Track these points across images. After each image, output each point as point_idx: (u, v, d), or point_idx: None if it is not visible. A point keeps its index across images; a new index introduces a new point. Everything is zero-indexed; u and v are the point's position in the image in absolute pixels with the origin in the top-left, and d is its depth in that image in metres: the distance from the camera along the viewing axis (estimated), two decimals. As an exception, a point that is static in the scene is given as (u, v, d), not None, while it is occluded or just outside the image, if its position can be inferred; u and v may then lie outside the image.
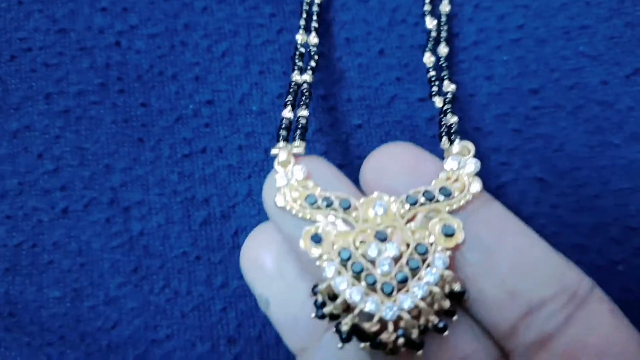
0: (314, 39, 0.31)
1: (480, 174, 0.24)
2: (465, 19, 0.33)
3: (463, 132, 0.32)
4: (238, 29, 0.33)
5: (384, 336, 0.21)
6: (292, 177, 0.24)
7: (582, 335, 0.21)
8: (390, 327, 0.21)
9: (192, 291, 0.31)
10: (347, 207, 0.23)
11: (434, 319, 0.21)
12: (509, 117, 0.32)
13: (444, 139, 0.25)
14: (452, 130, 0.25)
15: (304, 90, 0.27)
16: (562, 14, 0.33)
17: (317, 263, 0.22)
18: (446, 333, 0.22)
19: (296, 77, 0.28)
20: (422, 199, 0.22)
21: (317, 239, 0.22)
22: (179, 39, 0.33)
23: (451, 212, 0.23)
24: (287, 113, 0.26)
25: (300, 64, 0.28)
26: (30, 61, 0.32)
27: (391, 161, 0.24)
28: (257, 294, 0.25)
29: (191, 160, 0.32)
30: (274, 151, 0.25)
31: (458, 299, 0.22)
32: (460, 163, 0.23)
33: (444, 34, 0.32)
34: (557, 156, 0.32)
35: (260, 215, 0.31)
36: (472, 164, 0.23)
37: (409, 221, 0.23)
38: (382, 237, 0.22)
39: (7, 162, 0.31)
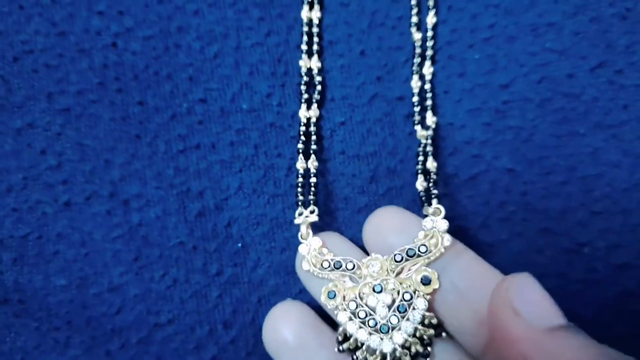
0: (316, 63, 0.33)
1: (456, 170, 0.31)
2: (440, 20, 0.34)
3: (440, 126, 0.33)
4: (228, 32, 0.33)
5: None
6: (311, 246, 0.30)
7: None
8: (389, 357, 0.27)
9: (189, 279, 0.32)
10: (352, 268, 0.29)
11: (420, 348, 0.28)
12: (481, 112, 0.33)
13: (425, 204, 0.31)
14: (431, 195, 0.31)
15: (312, 133, 0.32)
16: (530, 12, 0.34)
17: (335, 312, 0.28)
18: (429, 359, 0.28)
19: (303, 112, 0.32)
20: (405, 256, 0.28)
21: (332, 295, 0.28)
22: (172, 41, 0.33)
23: (430, 264, 0.28)
24: (300, 164, 0.32)
25: (307, 95, 0.32)
26: (32, 62, 0.33)
27: (384, 223, 0.29)
28: None
29: (186, 155, 0.32)
30: (296, 221, 0.31)
31: (437, 327, 0.28)
32: (434, 222, 0.29)
33: (429, 51, 0.34)
34: (526, 146, 0.33)
35: (251, 207, 0.32)
36: (444, 224, 0.29)
37: (398, 274, 0.28)
38: (378, 290, 0.28)
39: (12, 158, 0.32)
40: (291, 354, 0.29)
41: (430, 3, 0.34)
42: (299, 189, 0.31)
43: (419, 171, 0.32)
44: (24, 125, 0.32)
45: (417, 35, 0.34)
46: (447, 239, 0.28)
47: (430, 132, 0.32)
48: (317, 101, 0.33)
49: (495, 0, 0.34)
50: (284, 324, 0.29)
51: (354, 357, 0.28)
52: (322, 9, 0.34)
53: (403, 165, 0.33)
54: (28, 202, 0.32)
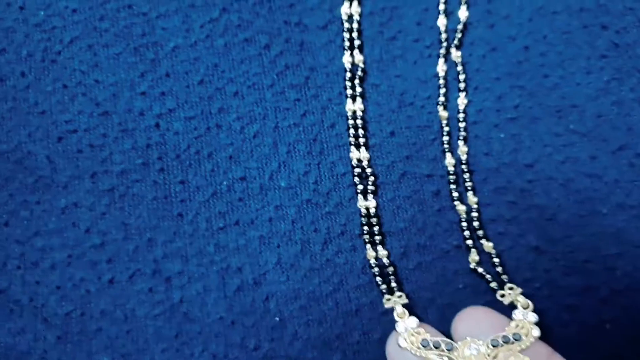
0: (365, 153, 0.32)
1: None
2: (467, 101, 0.34)
3: (466, 203, 0.33)
4: (267, 112, 0.33)
5: None
6: (409, 326, 0.29)
7: None
8: None
9: (228, 354, 0.31)
10: (450, 349, 0.28)
11: None
12: (506, 190, 0.33)
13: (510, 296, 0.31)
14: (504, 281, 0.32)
15: (374, 223, 0.32)
16: (554, 94, 0.34)
17: None
18: None
19: (361, 202, 0.32)
20: (501, 342, 0.28)
21: None
22: (213, 122, 0.33)
23: (521, 351, 0.28)
24: (371, 253, 0.32)
25: (361, 187, 0.32)
26: (76, 142, 0.32)
27: (474, 322, 0.30)
28: None
29: (226, 232, 0.32)
30: (387, 305, 0.31)
31: None
32: (524, 314, 0.30)
33: (462, 132, 0.33)
34: (550, 225, 0.33)
35: (289, 282, 0.32)
36: (533, 317, 0.30)
37: (493, 358, 0.28)
38: None
39: (57, 236, 0.31)
40: None
41: (462, 85, 0.34)
42: (378, 278, 0.32)
43: (468, 246, 0.32)
44: (68, 204, 0.31)
45: (444, 114, 0.34)
46: (536, 330, 0.29)
47: (465, 208, 0.33)
48: (372, 192, 0.33)
49: (520, 81, 0.34)
50: None
51: None
52: (363, 100, 0.34)
53: (432, 241, 0.33)
54: (72, 280, 0.31)
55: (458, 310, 0.31)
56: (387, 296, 0.31)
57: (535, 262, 0.32)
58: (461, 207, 0.33)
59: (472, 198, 0.33)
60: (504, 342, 0.29)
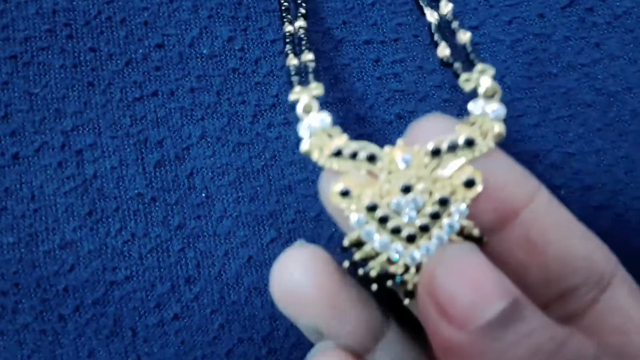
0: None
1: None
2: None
3: (409, 71, 0.29)
4: (184, -26, 0.29)
5: (407, 276, 0.20)
6: (316, 123, 0.21)
7: (605, 314, 0.20)
8: (412, 270, 0.20)
9: (149, 232, 0.27)
10: (372, 159, 0.20)
11: None
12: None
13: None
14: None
15: (302, 35, 0.24)
16: (497, -47, 0.30)
17: (345, 214, 0.20)
18: None
19: (288, 27, 0.25)
20: (445, 150, 0.20)
21: (344, 192, 0.20)
22: (125, -16, 0.29)
23: (474, 161, 0.20)
24: (292, 60, 0.23)
25: (289, 16, 0.25)
26: (-26, 9, 0.28)
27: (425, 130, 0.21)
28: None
29: (143, 103, 0.28)
30: (292, 96, 0.21)
31: (478, 243, 0.20)
32: (485, 107, 0.20)
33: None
34: (498, 89, 0.29)
35: (215, 156, 0.28)
36: (498, 109, 0.20)
37: (432, 170, 0.20)
38: (405, 188, 0.20)
39: (-47, 109, 0.27)
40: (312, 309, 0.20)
41: None
42: (293, 75, 0.23)
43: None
44: (-36, 73, 0.27)
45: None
46: (498, 127, 0.20)
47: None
48: (302, 14, 0.26)
49: (462, -58, 0.30)
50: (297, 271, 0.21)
51: (364, 271, 0.20)
52: None
53: (373, 112, 0.29)
54: (-28, 156, 0.27)
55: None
56: (297, 88, 0.22)
57: (481, 130, 0.29)
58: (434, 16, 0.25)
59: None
60: (450, 148, 0.20)
